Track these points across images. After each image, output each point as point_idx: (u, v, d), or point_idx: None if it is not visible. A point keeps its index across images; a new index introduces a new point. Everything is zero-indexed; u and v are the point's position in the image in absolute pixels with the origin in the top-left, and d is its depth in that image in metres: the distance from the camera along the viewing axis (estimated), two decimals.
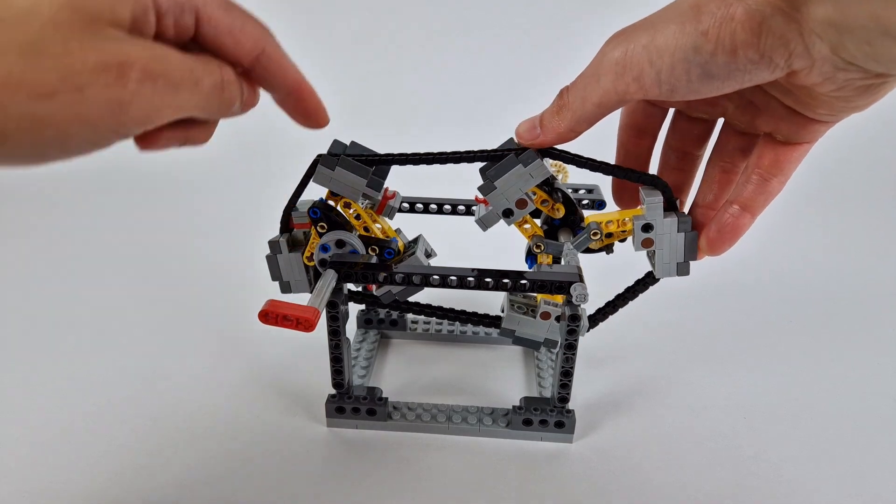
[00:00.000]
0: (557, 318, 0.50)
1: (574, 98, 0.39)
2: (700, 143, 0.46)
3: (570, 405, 0.51)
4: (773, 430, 0.53)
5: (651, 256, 0.50)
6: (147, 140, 0.30)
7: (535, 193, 0.49)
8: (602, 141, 0.51)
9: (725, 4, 0.32)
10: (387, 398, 0.52)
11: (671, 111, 0.46)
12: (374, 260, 0.49)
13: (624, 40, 0.36)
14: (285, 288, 0.52)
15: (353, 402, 0.52)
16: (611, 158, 0.47)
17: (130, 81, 0.26)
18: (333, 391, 0.52)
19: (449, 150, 0.47)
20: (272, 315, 0.38)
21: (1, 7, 0.24)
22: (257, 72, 0.33)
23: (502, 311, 0.52)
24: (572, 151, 0.45)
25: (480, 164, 0.49)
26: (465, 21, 1.14)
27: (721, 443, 0.52)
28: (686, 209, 0.48)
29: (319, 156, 0.48)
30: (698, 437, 0.52)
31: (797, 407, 0.56)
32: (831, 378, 0.60)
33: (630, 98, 0.37)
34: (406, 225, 0.56)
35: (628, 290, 0.53)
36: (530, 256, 0.54)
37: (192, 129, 0.32)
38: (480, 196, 0.48)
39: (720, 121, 0.45)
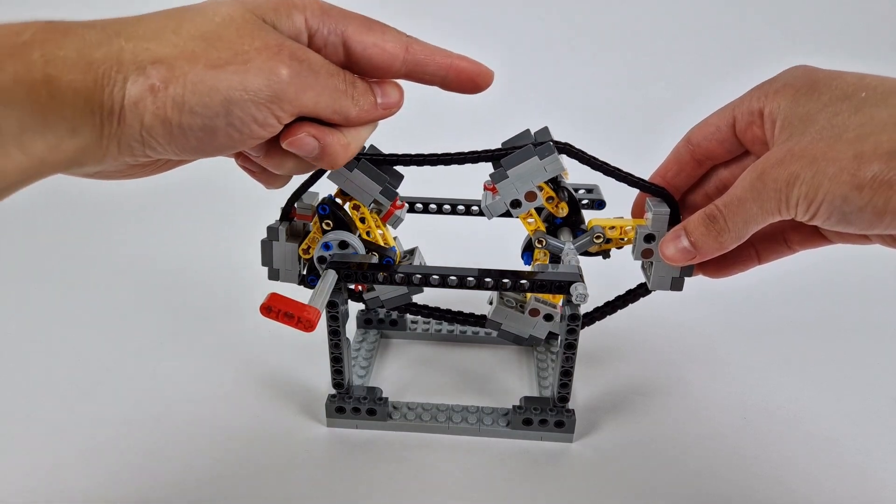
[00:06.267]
0: (546, 317, 0.50)
1: (734, 223, 0.39)
2: None
3: (570, 405, 0.51)
4: (773, 430, 0.53)
5: (647, 268, 0.50)
6: (289, 133, 0.35)
7: (541, 189, 0.49)
8: (598, 140, 0.51)
9: (889, 168, 0.32)
10: (387, 398, 0.52)
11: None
12: (374, 261, 0.49)
13: (786, 168, 0.36)
14: (273, 275, 0.52)
15: (353, 402, 0.52)
16: (607, 157, 0.47)
17: (284, 57, 0.32)
18: (333, 391, 0.52)
19: (466, 151, 0.47)
20: (274, 310, 0.38)
21: (208, 12, 0.32)
22: (410, 69, 0.37)
23: (490, 303, 0.52)
24: (588, 152, 0.46)
25: (483, 164, 0.49)
26: (465, 21, 1.14)
27: (721, 443, 0.52)
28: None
29: None
30: (698, 437, 0.52)
31: (797, 407, 0.56)
32: (831, 378, 0.60)
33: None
34: (405, 224, 0.56)
35: (619, 298, 0.53)
36: (528, 252, 0.54)
37: (328, 135, 0.36)
38: (490, 184, 0.48)
39: None
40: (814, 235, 0.44)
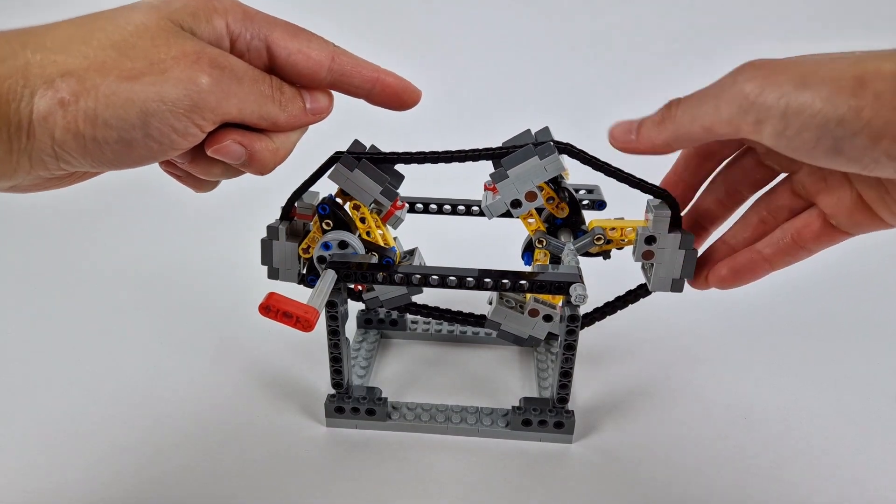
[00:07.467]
0: (545, 317, 0.50)
1: (683, 114, 0.36)
2: (755, 188, 0.44)
3: (570, 405, 0.51)
4: (773, 430, 0.53)
5: (647, 269, 0.50)
6: (214, 140, 0.34)
7: (542, 189, 0.49)
8: (599, 141, 0.51)
9: (894, 89, 0.29)
10: (386, 398, 0.52)
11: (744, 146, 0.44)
12: (373, 261, 0.49)
13: (763, 77, 0.32)
14: (273, 274, 0.52)
15: (352, 402, 0.52)
16: (609, 158, 0.47)
17: (203, 65, 0.31)
18: (333, 391, 0.52)
19: (467, 149, 0.47)
20: (273, 310, 0.38)
21: (121, 20, 0.31)
22: (336, 79, 0.37)
23: (490, 303, 0.52)
24: (589, 153, 0.46)
25: (484, 165, 0.49)
26: (464, 21, 1.14)
27: (721, 443, 0.52)
28: (710, 239, 0.48)
29: (338, 153, 0.48)
30: (698, 437, 0.52)
31: (797, 407, 0.56)
32: (831, 378, 0.59)
33: (741, 136, 0.34)
34: (406, 224, 0.56)
35: (619, 299, 0.53)
36: (528, 252, 0.54)
37: (255, 141, 0.35)
38: (490, 184, 0.48)
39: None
40: (827, 228, 0.41)
